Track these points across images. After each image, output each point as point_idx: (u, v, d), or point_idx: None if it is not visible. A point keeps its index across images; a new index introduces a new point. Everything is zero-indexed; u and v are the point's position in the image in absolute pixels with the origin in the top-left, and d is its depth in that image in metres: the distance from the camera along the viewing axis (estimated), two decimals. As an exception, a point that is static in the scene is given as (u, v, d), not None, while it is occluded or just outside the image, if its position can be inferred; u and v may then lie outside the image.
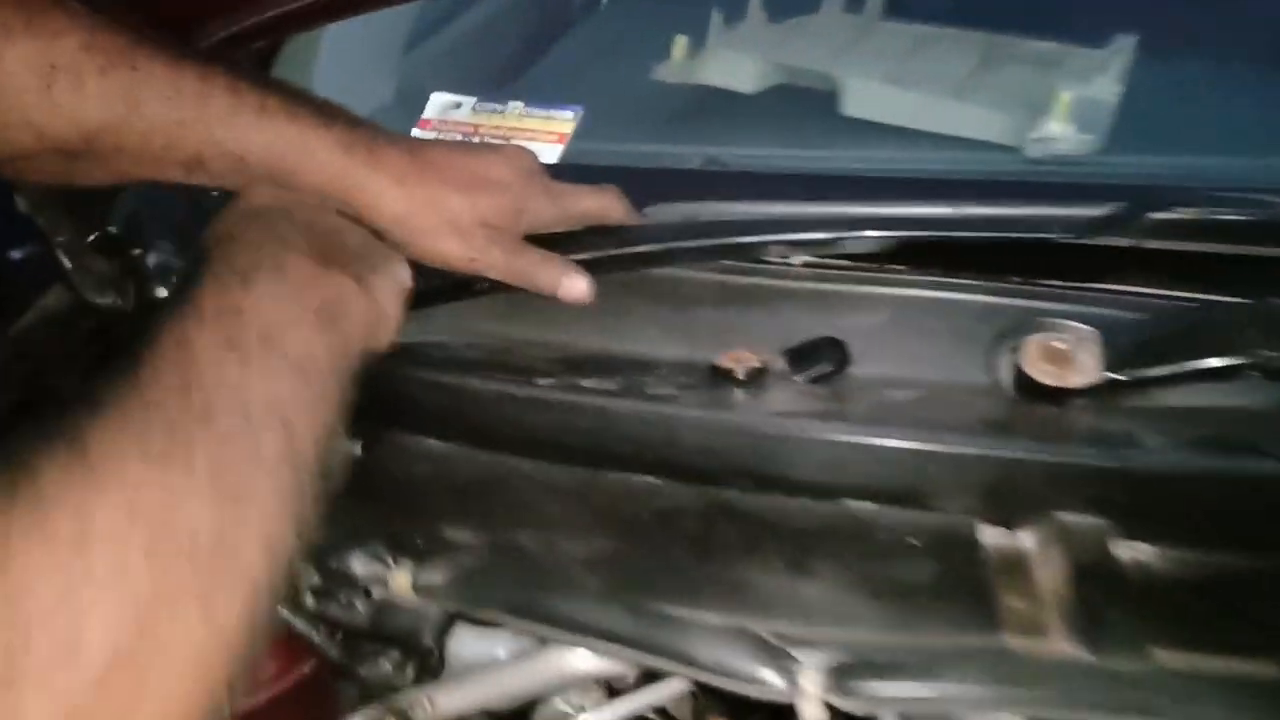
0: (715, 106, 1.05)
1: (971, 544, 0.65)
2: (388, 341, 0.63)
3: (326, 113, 0.63)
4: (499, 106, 0.98)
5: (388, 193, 0.63)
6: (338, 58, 1.13)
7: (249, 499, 0.47)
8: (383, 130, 0.65)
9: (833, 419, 0.65)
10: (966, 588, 0.62)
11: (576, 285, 0.71)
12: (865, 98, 1.02)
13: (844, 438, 0.64)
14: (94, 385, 0.47)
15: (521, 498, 0.70)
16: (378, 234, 0.66)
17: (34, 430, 0.44)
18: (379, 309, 0.61)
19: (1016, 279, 0.75)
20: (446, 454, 0.74)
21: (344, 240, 0.63)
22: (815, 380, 0.71)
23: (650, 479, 0.70)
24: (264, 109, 0.60)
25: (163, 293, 0.81)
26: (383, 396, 0.74)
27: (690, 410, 0.66)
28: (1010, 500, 0.66)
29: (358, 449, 0.79)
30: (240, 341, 0.51)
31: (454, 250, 0.66)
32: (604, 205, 0.75)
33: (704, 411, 0.66)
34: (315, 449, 0.51)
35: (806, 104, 1.05)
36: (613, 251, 0.76)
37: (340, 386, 0.55)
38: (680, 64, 1.07)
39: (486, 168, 0.69)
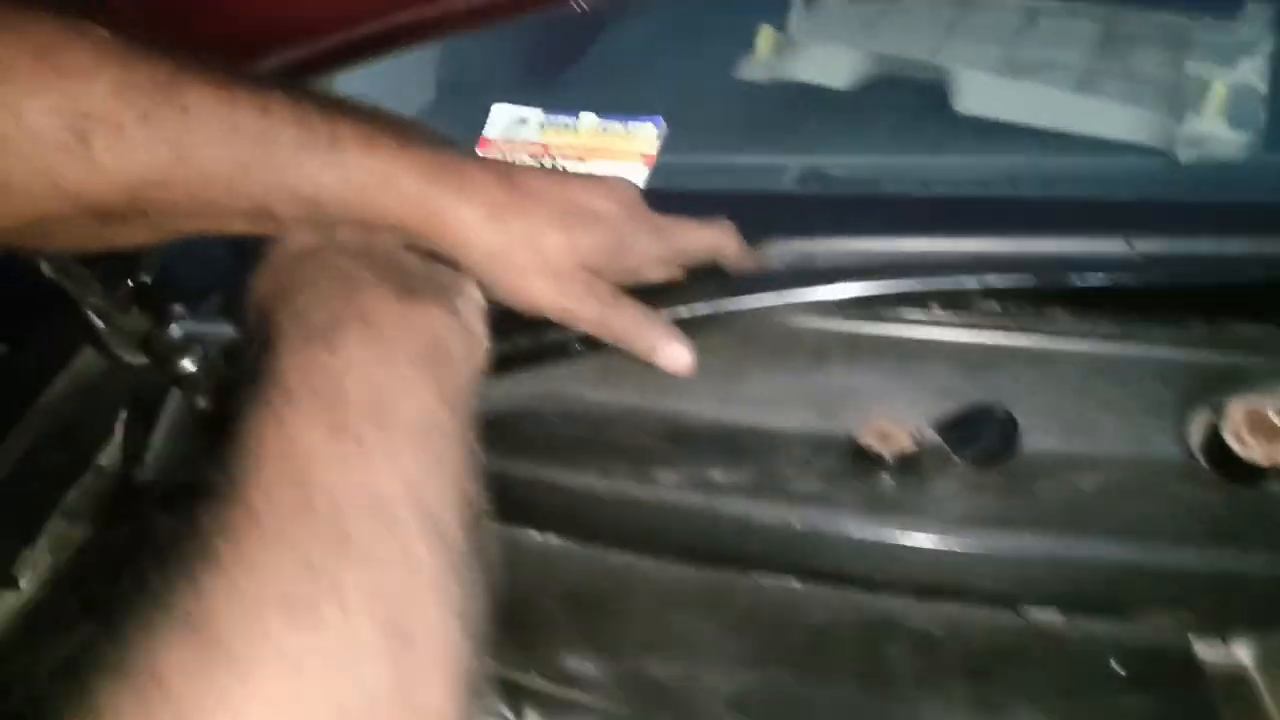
0: (809, 106, 0.93)
1: (1188, 665, 0.55)
2: (482, 366, 0.54)
3: (406, 136, 0.53)
4: (570, 120, 0.86)
5: (478, 225, 0.54)
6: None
7: (419, 628, 0.38)
8: (470, 153, 0.55)
9: (1018, 525, 0.55)
10: (1187, 721, 0.53)
11: (678, 356, 0.61)
12: (980, 92, 0.90)
13: (1034, 549, 0.54)
14: (195, 522, 0.38)
15: (648, 608, 0.60)
16: (456, 268, 0.56)
17: (139, 606, 0.35)
18: (473, 333, 0.52)
19: (1207, 326, 0.64)
20: (555, 551, 0.64)
21: (408, 267, 0.53)
22: (980, 462, 0.61)
23: (798, 585, 0.61)
24: (336, 140, 0.50)
25: (189, 360, 0.70)
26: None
27: (844, 517, 0.56)
28: (1227, 611, 0.56)
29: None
30: (348, 423, 0.42)
31: (546, 294, 0.57)
32: (717, 242, 0.65)
33: (861, 518, 0.56)
34: (465, 532, 0.42)
35: (911, 98, 0.93)
36: (729, 305, 0.66)
37: (467, 441, 0.46)
38: (766, 59, 0.95)
39: (589, 199, 0.59)
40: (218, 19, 0.68)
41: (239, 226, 0.52)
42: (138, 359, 0.79)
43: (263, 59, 0.70)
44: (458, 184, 0.54)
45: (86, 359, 0.80)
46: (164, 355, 0.71)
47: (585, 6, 0.68)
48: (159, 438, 0.72)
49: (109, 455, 0.83)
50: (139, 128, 0.46)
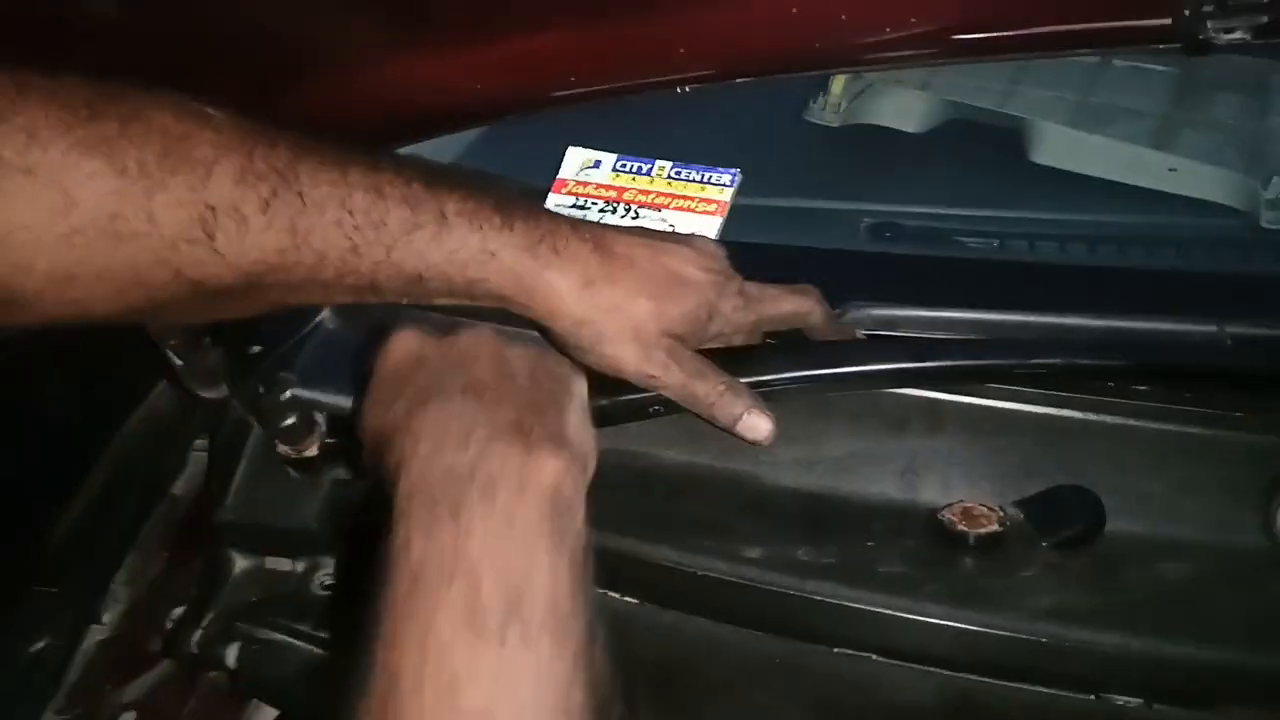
0: (882, 152, 0.93)
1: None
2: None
3: (506, 209, 0.54)
4: (644, 166, 0.86)
5: (572, 295, 0.55)
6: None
7: None
8: (565, 221, 0.56)
9: (1104, 621, 0.55)
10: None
11: (760, 426, 0.60)
12: (1055, 144, 0.89)
13: (1118, 641, 0.54)
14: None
15: (725, 679, 0.60)
16: (549, 334, 0.57)
17: None
18: (586, 461, 0.52)
19: (1291, 411, 0.64)
20: (629, 614, 0.65)
21: (521, 384, 0.53)
22: (1063, 545, 0.61)
23: (874, 658, 0.61)
24: (443, 219, 0.52)
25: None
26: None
27: (930, 607, 0.56)
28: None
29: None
30: (481, 613, 0.42)
31: (631, 361, 0.57)
32: (803, 309, 0.65)
33: (947, 608, 0.56)
34: (600, 694, 0.43)
35: (986, 146, 0.93)
36: (810, 373, 0.66)
37: (590, 597, 0.47)
38: (838, 102, 0.94)
39: (679, 266, 0.60)
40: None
41: (343, 298, 0.54)
42: (212, 393, 0.79)
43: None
44: (554, 256, 0.55)
45: (161, 393, 0.81)
46: (268, 417, 0.71)
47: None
48: (239, 476, 0.73)
49: (182, 485, 0.85)
50: (259, 216, 0.47)
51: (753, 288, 0.64)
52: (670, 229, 0.82)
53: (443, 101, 0.72)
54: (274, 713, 0.70)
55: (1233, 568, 0.59)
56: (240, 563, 0.74)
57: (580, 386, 0.56)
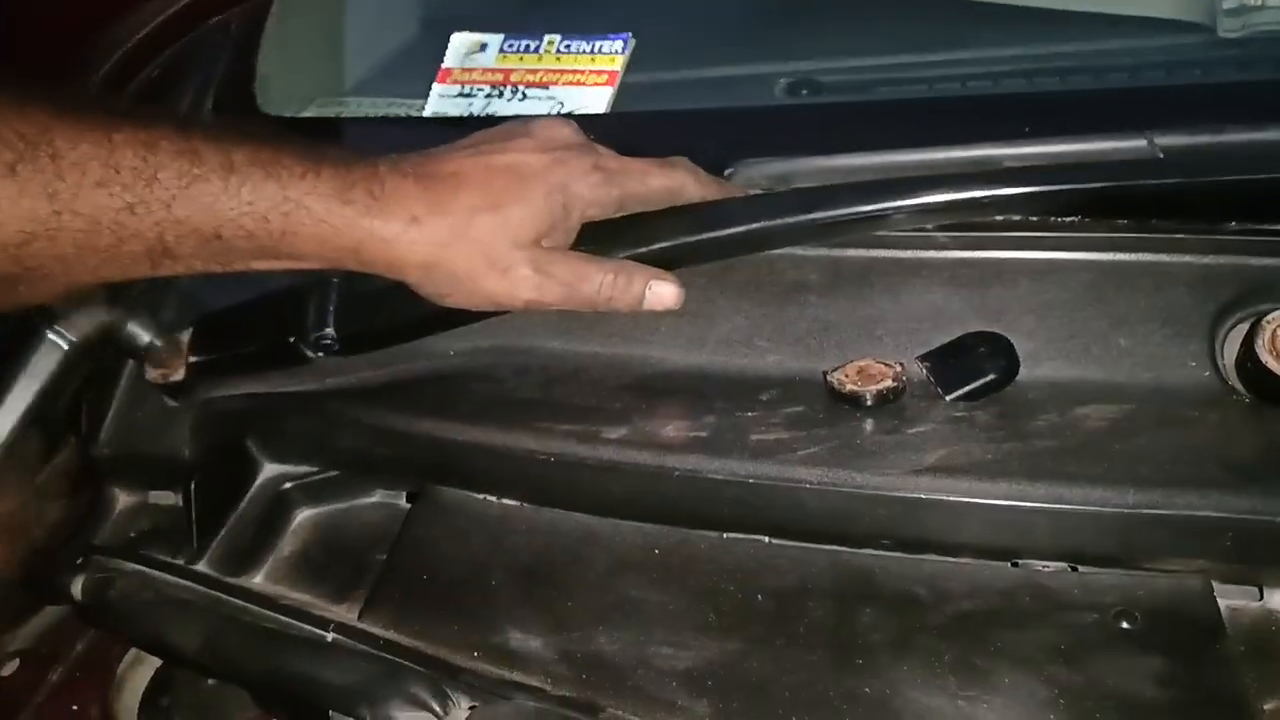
0: (800, 8, 0.84)
1: (1207, 621, 0.48)
2: None
3: (311, 157, 0.50)
4: (532, 43, 0.79)
5: (403, 238, 0.51)
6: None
7: None
8: (384, 161, 0.52)
9: (1008, 473, 0.48)
10: (1207, 688, 0.46)
11: (666, 294, 0.58)
12: (994, -26, 0.79)
13: (1029, 504, 0.47)
14: None
15: (602, 575, 0.55)
16: (410, 289, 0.54)
17: None
18: None
19: (1239, 228, 0.55)
20: (506, 516, 0.59)
21: None
22: (972, 398, 0.54)
23: (763, 540, 0.55)
24: (231, 168, 0.48)
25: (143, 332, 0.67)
26: (424, 453, 0.60)
27: (807, 472, 0.50)
28: (1261, 557, 0.48)
29: (403, 501, 0.66)
30: None
31: (500, 291, 0.54)
32: (675, 183, 0.59)
33: (825, 471, 0.49)
34: None
35: (916, -11, 0.83)
36: (689, 239, 0.59)
37: None
38: (752, -44, 0.86)
39: (515, 160, 0.54)
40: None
41: (139, 270, 0.50)
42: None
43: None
44: (371, 200, 0.50)
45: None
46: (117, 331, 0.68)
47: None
48: (113, 410, 0.69)
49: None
50: (6, 183, 0.44)
51: (613, 161, 0.58)
52: (559, 107, 0.75)
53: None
54: (157, 662, 0.66)
55: (1169, 407, 0.52)
56: (123, 499, 0.71)
57: None
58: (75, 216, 0.46)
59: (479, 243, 0.53)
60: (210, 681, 0.67)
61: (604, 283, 0.56)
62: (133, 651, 0.67)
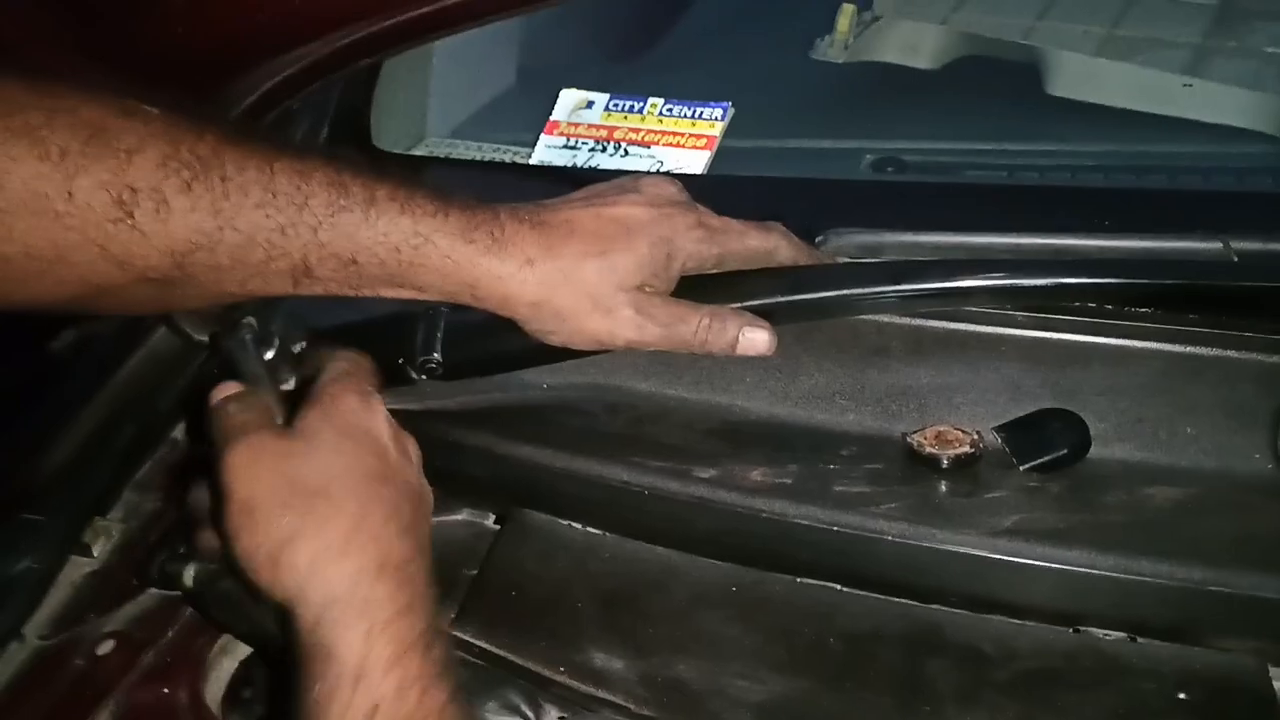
0: (888, 89, 0.89)
1: (1261, 698, 0.50)
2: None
3: (442, 198, 0.54)
4: (636, 103, 0.85)
5: (516, 277, 0.55)
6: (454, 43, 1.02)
7: None
8: (504, 208, 0.56)
9: (1078, 542, 0.51)
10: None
11: (758, 340, 0.60)
12: (1074, 74, 0.84)
13: (1093, 571, 0.50)
14: None
15: (682, 606, 0.58)
16: (518, 325, 0.58)
17: None
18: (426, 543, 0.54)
19: (1307, 329, 0.58)
20: (590, 544, 0.63)
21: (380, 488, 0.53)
22: (1045, 470, 0.57)
23: (836, 588, 0.58)
24: (372, 201, 0.53)
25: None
26: (517, 476, 0.64)
27: (888, 525, 0.53)
28: (1316, 643, 0.51)
29: (489, 521, 0.70)
30: None
31: (601, 331, 0.57)
32: (770, 245, 0.63)
33: (905, 526, 0.53)
34: None
35: (1001, 80, 0.88)
36: (781, 299, 0.63)
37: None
38: (846, 38, 0.91)
39: (624, 213, 0.58)
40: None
41: (283, 287, 0.54)
42: (202, 335, 0.81)
43: (334, 34, 0.71)
44: (492, 241, 0.55)
45: (163, 336, 0.83)
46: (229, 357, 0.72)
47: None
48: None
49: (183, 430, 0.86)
50: (181, 198, 0.49)
51: (715, 220, 0.62)
52: (659, 165, 0.80)
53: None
54: (243, 654, 0.70)
55: (1229, 492, 0.55)
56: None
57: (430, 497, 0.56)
58: (235, 232, 0.50)
59: (585, 284, 0.56)
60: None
61: (701, 325, 0.59)
62: (220, 642, 0.70)
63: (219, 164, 0.50)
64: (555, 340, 0.59)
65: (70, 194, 0.46)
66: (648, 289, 0.59)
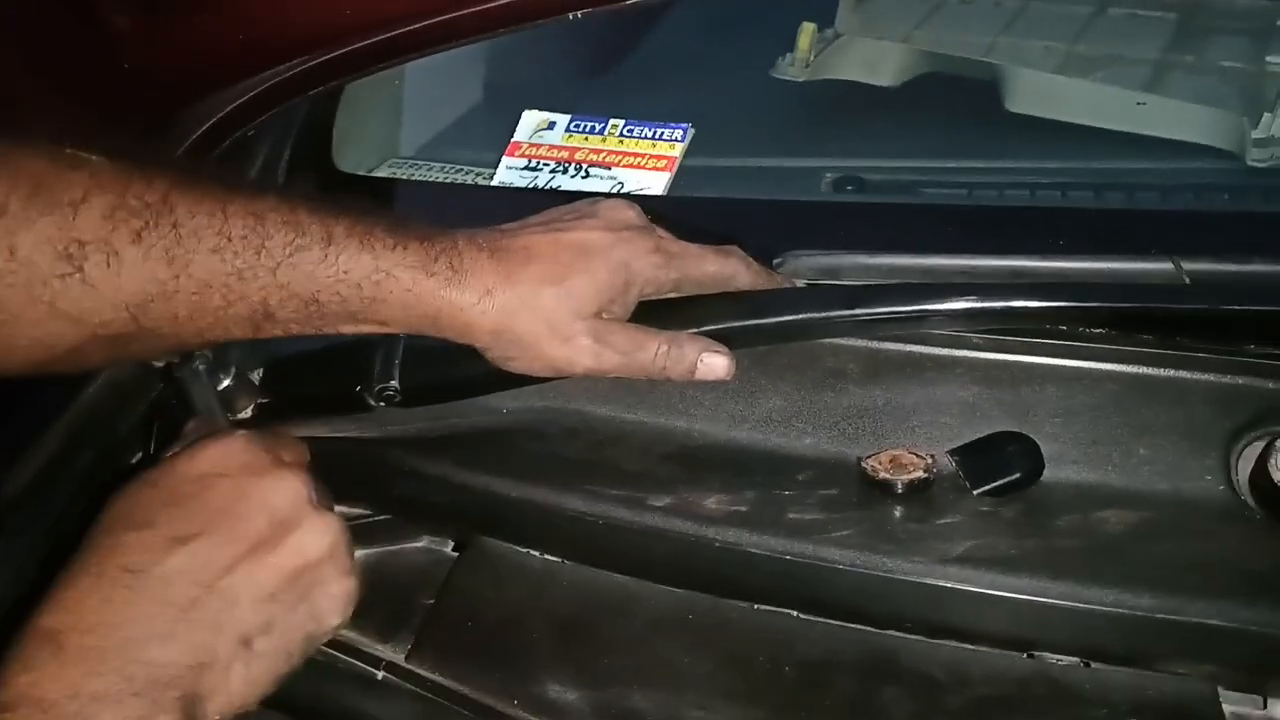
0: (848, 107, 0.89)
1: (1213, 722, 0.50)
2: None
3: (400, 228, 0.54)
4: (597, 124, 0.85)
5: (477, 307, 0.55)
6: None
7: None
8: (463, 235, 0.56)
9: (1030, 569, 0.51)
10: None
11: (717, 365, 0.60)
12: (1033, 91, 0.85)
13: (1049, 600, 0.50)
14: None
15: (638, 636, 0.58)
16: (480, 354, 0.57)
17: None
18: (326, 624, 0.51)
19: (1258, 351, 0.58)
20: (549, 571, 0.63)
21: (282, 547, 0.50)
22: (998, 494, 0.57)
23: (793, 614, 0.58)
24: (330, 239, 0.52)
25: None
26: (474, 505, 0.64)
27: (841, 554, 0.53)
28: (1266, 667, 0.51)
29: (448, 548, 0.70)
30: None
31: (559, 358, 0.56)
32: (728, 270, 0.63)
33: (858, 555, 0.53)
34: None
35: (961, 98, 0.88)
36: (739, 323, 0.63)
37: None
38: (806, 57, 0.91)
39: (581, 238, 0.58)
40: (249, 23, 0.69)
41: (243, 332, 0.54)
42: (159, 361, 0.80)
43: (295, 60, 0.71)
44: (452, 273, 0.55)
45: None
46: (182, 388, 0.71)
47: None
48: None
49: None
50: (132, 248, 0.48)
51: (673, 245, 0.62)
52: (619, 186, 0.80)
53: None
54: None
55: (1184, 517, 0.55)
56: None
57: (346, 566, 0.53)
58: (190, 280, 0.50)
59: (544, 311, 0.56)
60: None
61: (659, 352, 0.59)
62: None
63: (169, 210, 0.49)
64: (515, 367, 0.58)
65: (12, 251, 0.46)
66: (605, 315, 0.59)
